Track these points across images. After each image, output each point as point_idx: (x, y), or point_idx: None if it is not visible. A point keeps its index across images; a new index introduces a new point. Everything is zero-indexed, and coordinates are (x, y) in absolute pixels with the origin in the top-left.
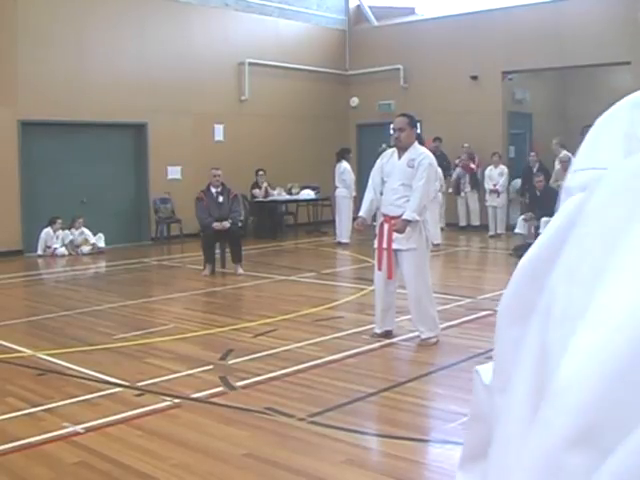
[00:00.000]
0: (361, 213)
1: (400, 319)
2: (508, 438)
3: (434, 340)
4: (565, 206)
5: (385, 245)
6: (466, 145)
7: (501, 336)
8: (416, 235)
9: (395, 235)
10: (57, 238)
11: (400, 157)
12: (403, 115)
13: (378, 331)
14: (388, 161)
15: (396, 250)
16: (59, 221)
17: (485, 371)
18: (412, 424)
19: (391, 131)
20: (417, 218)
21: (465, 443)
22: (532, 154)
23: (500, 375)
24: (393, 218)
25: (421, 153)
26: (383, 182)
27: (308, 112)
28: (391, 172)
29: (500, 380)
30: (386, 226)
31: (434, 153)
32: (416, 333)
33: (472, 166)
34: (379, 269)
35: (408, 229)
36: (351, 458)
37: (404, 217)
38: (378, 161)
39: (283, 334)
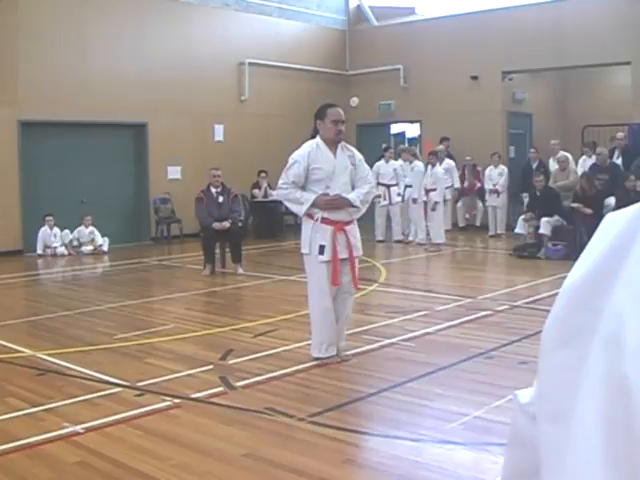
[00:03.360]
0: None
1: (400, 319)
2: (575, 469)
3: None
4: (611, 224)
5: (345, 255)
6: (468, 158)
7: (547, 361)
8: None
9: (354, 241)
10: (55, 236)
11: (334, 154)
12: (337, 106)
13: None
14: (323, 158)
15: (348, 258)
16: (48, 218)
17: (524, 396)
18: (412, 424)
19: (330, 124)
20: (358, 205)
21: (505, 466)
22: (532, 150)
23: (548, 402)
24: (347, 224)
25: (353, 150)
26: (314, 182)
27: (308, 112)
28: (334, 171)
29: (549, 407)
30: (340, 235)
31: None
32: (416, 333)
33: (479, 185)
34: (336, 284)
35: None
36: (351, 458)
37: (350, 198)
38: (300, 157)
39: (283, 334)
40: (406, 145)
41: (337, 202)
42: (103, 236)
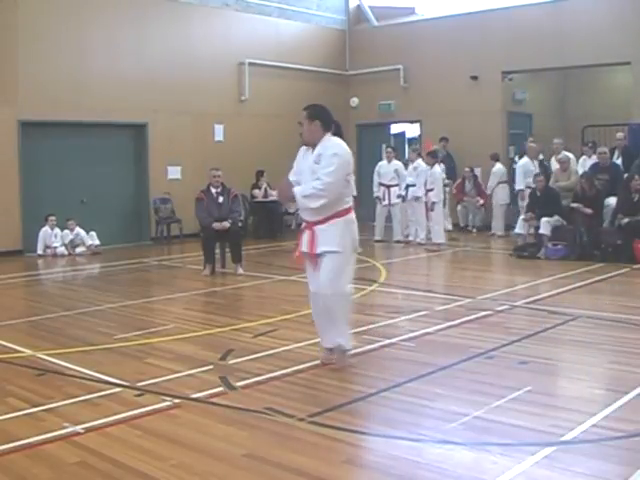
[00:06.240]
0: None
1: (400, 319)
2: None
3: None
4: None
5: (306, 248)
6: (467, 169)
7: None
8: (338, 238)
9: (320, 238)
10: (56, 237)
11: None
12: (305, 108)
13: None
14: (302, 158)
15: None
16: (51, 218)
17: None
18: (412, 424)
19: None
20: (299, 199)
21: None
22: (530, 139)
23: None
24: (314, 224)
25: (328, 147)
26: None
27: None
28: (302, 170)
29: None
30: (307, 233)
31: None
32: (416, 333)
33: (481, 202)
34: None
35: (332, 232)
36: (351, 458)
37: (295, 190)
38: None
39: (283, 334)
40: (407, 145)
41: (282, 190)
42: (89, 232)
